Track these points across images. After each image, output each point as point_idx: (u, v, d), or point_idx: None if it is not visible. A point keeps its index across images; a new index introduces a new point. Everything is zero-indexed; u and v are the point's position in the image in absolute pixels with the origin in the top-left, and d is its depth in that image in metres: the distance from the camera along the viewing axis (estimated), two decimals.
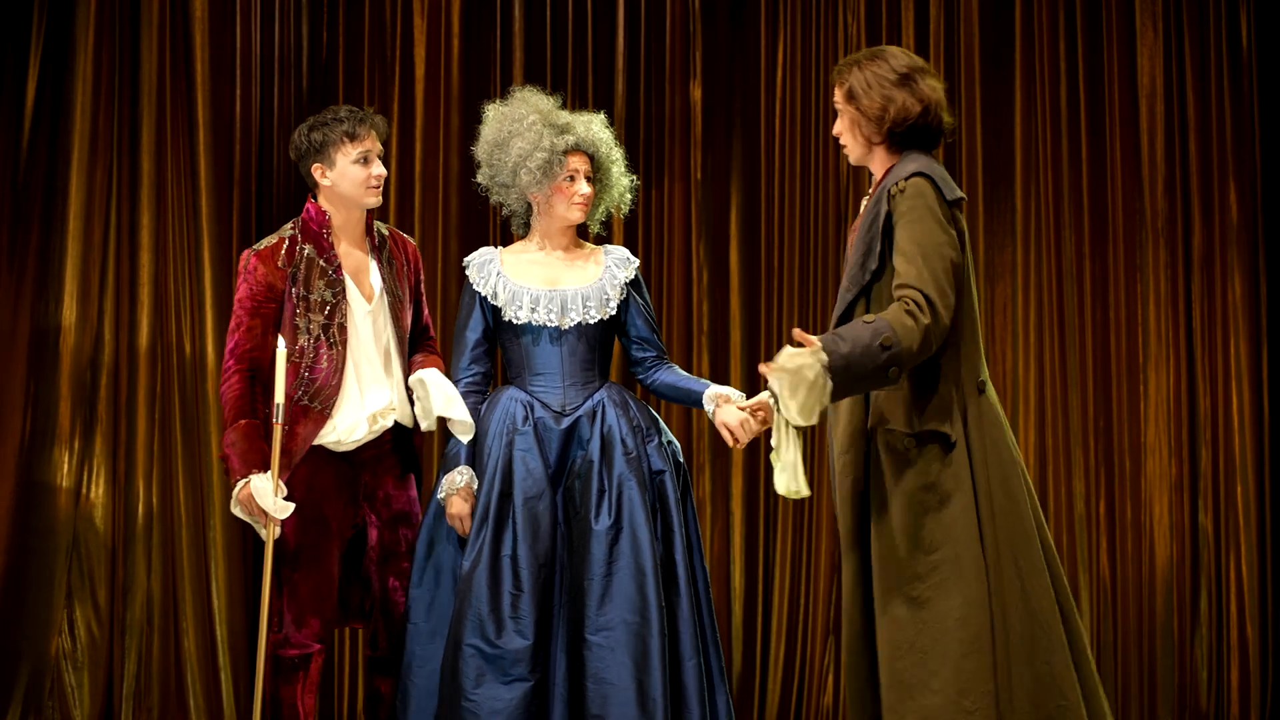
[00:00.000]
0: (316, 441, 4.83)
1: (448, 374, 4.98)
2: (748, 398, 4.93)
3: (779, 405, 4.02)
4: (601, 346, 5.02)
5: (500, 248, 5.13)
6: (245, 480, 4.72)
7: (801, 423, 4.00)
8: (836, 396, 4.01)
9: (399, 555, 4.96)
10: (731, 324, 6.85)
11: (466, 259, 5.09)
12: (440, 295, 6.69)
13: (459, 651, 4.74)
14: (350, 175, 4.90)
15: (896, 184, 4.12)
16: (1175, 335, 6.81)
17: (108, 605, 6.55)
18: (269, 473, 4.69)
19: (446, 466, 4.91)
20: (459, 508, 4.85)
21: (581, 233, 5.13)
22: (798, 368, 3.97)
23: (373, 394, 4.89)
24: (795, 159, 6.86)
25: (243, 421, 4.78)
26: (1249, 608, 6.69)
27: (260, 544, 4.95)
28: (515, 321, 4.98)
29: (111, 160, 6.64)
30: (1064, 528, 6.74)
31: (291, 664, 4.86)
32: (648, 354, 5.09)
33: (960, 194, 4.17)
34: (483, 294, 5.00)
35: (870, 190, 4.31)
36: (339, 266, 4.89)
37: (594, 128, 5.02)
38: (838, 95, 4.27)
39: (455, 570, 4.87)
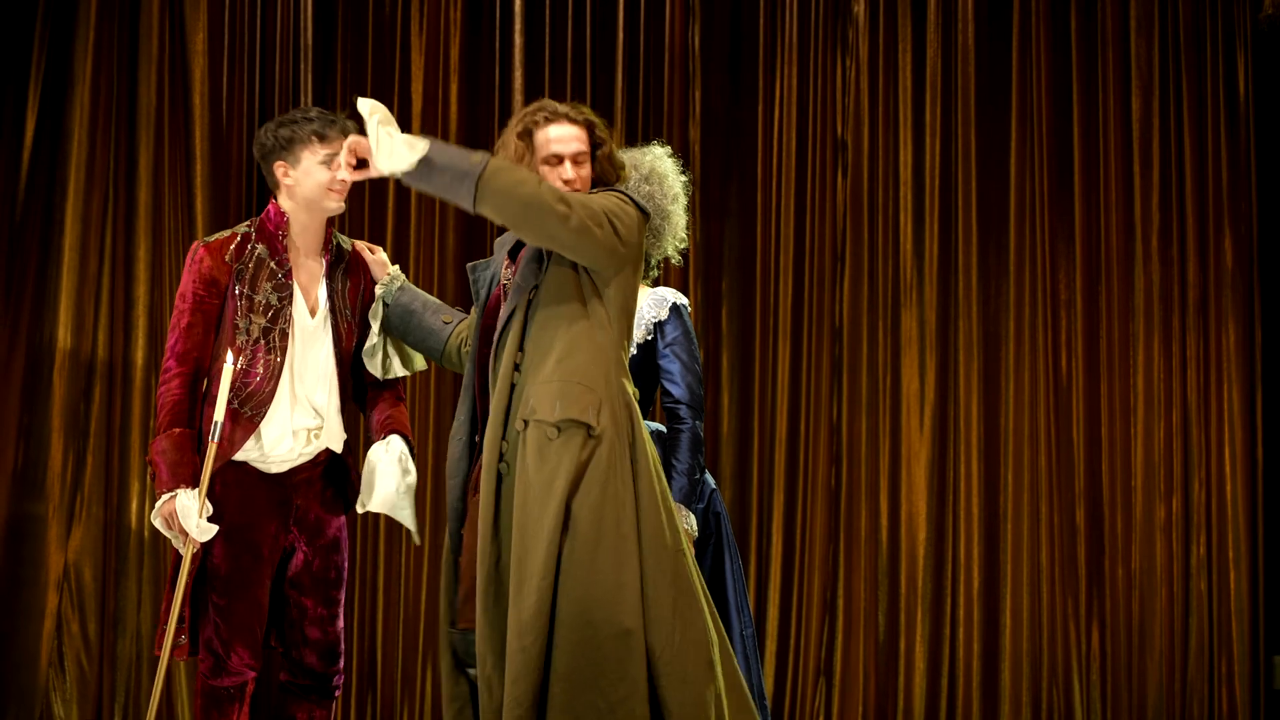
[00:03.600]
0: (244, 458, 4.61)
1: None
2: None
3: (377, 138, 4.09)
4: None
5: None
6: (171, 495, 4.51)
7: (384, 164, 4.08)
8: (418, 171, 4.04)
9: (329, 583, 4.76)
10: (724, 364, 6.85)
11: None
12: None
13: None
14: (314, 175, 4.66)
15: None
16: (1168, 379, 6.82)
17: (97, 638, 6.52)
18: (196, 490, 4.50)
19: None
20: None
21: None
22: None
23: (304, 411, 4.68)
24: (791, 200, 6.87)
25: (176, 430, 4.56)
26: (1238, 652, 6.69)
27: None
28: None
29: (108, 191, 6.64)
30: (1054, 564, 6.73)
31: (227, 694, 4.67)
32: (669, 406, 4.93)
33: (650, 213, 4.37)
34: None
35: None
36: (289, 271, 4.68)
37: None
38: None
39: None
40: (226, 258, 4.65)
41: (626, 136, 6.80)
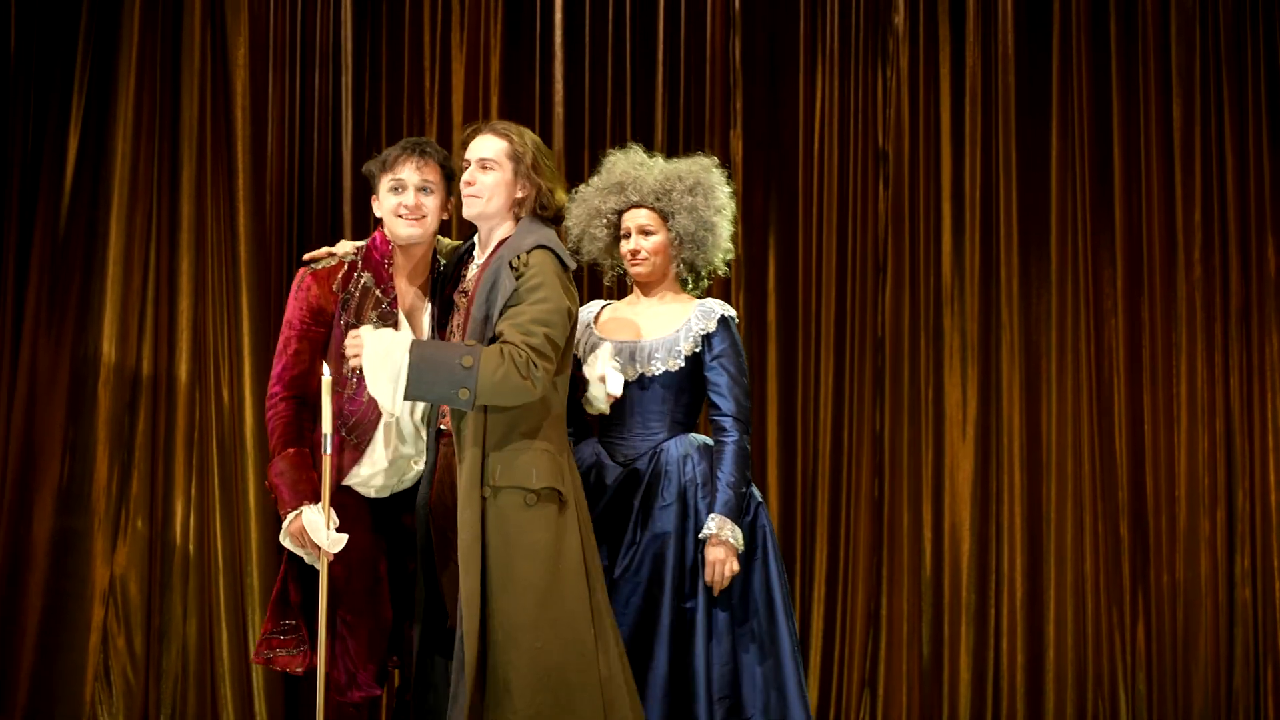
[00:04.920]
0: (350, 484, 4.71)
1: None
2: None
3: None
4: (676, 398, 4.96)
5: (610, 301, 5.20)
6: (296, 512, 4.59)
7: (383, 403, 4.43)
8: (410, 389, 4.40)
9: None
10: (768, 375, 6.84)
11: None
12: None
13: None
14: (384, 203, 4.76)
15: (518, 255, 4.55)
16: (1211, 388, 6.80)
17: (143, 652, 6.53)
18: (319, 504, 4.57)
19: None
20: None
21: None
22: (386, 343, 4.40)
23: (406, 439, 4.76)
24: (833, 210, 6.86)
25: (290, 450, 4.65)
26: None
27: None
28: (586, 375, 4.95)
29: (151, 205, 6.66)
30: (1098, 574, 6.71)
31: (355, 710, 4.76)
32: (715, 418, 4.98)
33: (574, 265, 4.65)
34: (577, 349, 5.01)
35: (488, 254, 4.68)
36: (395, 300, 4.74)
37: (648, 181, 5.04)
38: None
39: None
40: (334, 287, 4.72)
41: (667, 148, 6.80)
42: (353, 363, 4.51)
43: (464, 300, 4.70)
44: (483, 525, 4.48)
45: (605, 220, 5.07)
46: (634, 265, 5.05)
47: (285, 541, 4.64)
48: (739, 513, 4.88)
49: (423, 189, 4.75)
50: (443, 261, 4.90)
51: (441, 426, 4.69)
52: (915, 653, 6.74)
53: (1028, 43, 6.89)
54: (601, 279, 5.47)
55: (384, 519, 4.80)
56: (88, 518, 6.53)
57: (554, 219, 4.74)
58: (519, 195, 4.69)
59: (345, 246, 4.84)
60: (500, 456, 4.52)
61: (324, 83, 6.81)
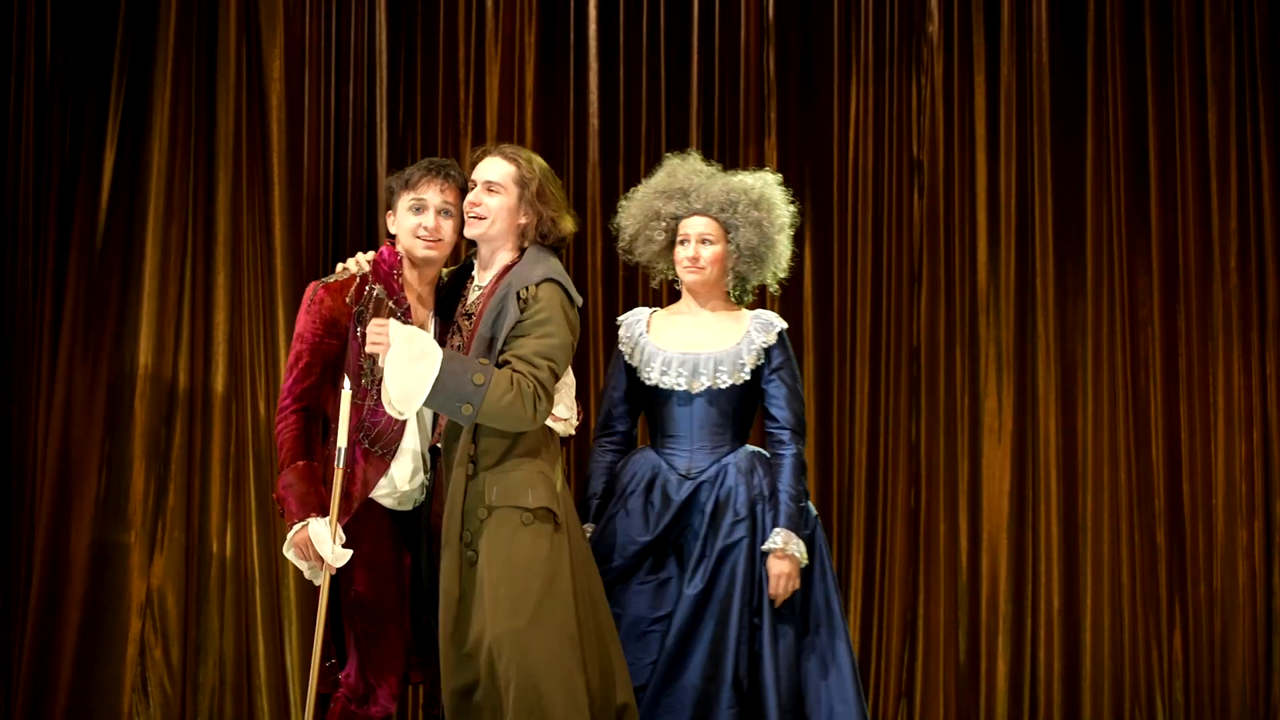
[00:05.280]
0: (376, 497, 4.69)
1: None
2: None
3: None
4: (737, 411, 4.98)
5: (655, 309, 5.18)
6: (303, 524, 4.60)
7: (395, 401, 4.44)
8: (432, 395, 4.44)
9: None
10: (804, 383, 6.83)
11: (620, 318, 5.15)
12: None
13: None
14: (402, 222, 4.75)
15: (526, 287, 4.58)
16: (1248, 397, 6.77)
17: (180, 663, 6.55)
18: (328, 518, 4.57)
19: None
20: None
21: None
22: (421, 346, 4.45)
23: (428, 450, 4.77)
24: (868, 218, 6.85)
25: (300, 463, 4.65)
26: None
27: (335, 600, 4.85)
28: (648, 383, 4.99)
29: (187, 218, 6.68)
30: (1135, 583, 6.69)
31: None
32: (773, 430, 5.00)
33: (580, 301, 4.69)
34: (625, 354, 5.04)
35: (491, 277, 4.72)
36: (407, 310, 4.73)
37: (712, 190, 5.03)
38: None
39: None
40: (347, 299, 4.71)
41: (702, 153, 6.77)
42: (370, 349, 4.51)
43: (467, 323, 4.72)
44: (479, 544, 4.53)
45: (664, 224, 5.06)
46: (690, 272, 5.04)
47: (288, 553, 4.65)
48: (801, 525, 4.90)
49: (443, 211, 4.75)
50: (442, 276, 4.91)
51: (437, 445, 4.72)
52: (952, 662, 6.73)
53: (1062, 50, 6.86)
54: (649, 281, 5.45)
55: (408, 532, 4.80)
56: (125, 530, 6.55)
57: (557, 246, 4.76)
58: (522, 220, 4.70)
59: (355, 261, 4.84)
60: (495, 476, 4.56)
61: (359, 95, 6.82)
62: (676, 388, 4.96)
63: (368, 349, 4.54)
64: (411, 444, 4.72)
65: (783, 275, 5.18)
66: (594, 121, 6.85)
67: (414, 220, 4.73)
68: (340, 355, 4.70)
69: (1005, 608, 6.73)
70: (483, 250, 4.77)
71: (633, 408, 5.09)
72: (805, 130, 6.90)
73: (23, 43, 6.69)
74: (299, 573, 6.41)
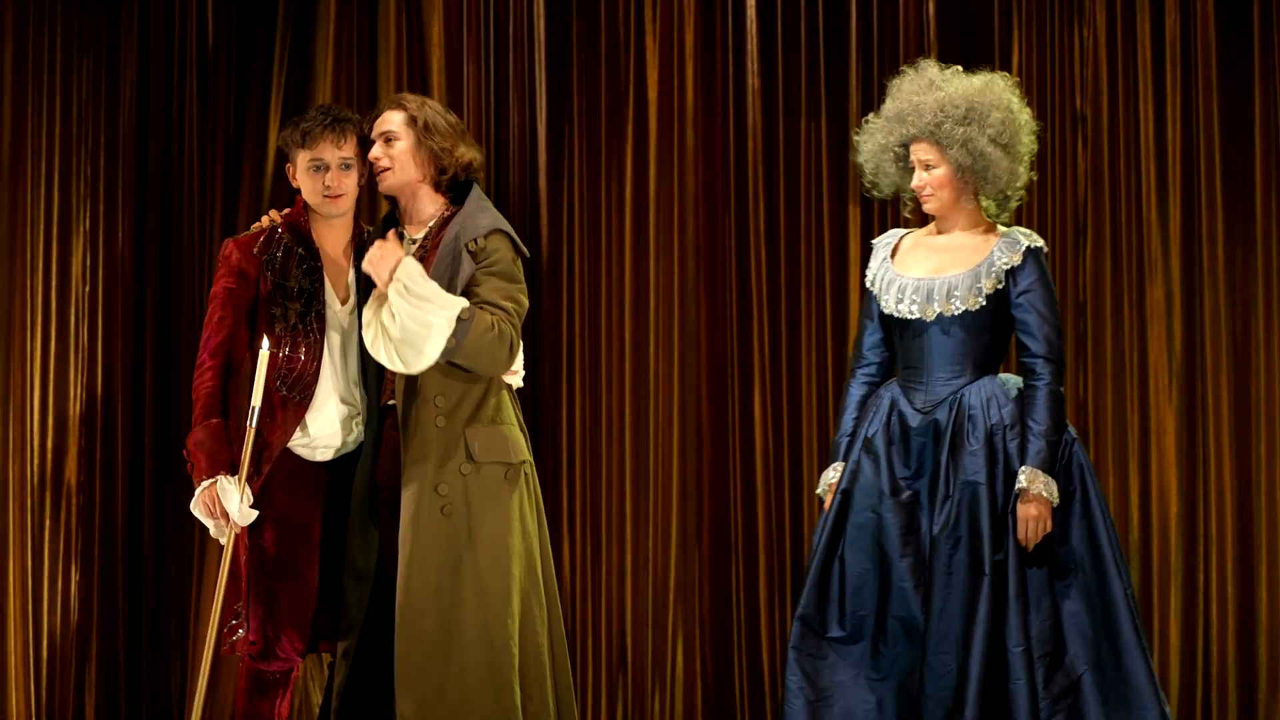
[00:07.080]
0: (290, 447, 4.68)
1: None
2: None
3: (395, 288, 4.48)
4: (977, 339, 4.72)
5: (909, 230, 5.01)
6: (212, 480, 4.60)
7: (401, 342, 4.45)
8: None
9: None
10: None
11: (873, 240, 5.02)
12: (677, 318, 6.71)
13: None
14: (305, 184, 4.80)
15: (475, 239, 4.60)
16: None
17: None
18: (236, 476, 4.58)
19: (830, 458, 4.85)
20: (828, 503, 4.80)
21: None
22: (445, 298, 4.50)
23: (347, 396, 4.75)
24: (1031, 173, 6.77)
25: (214, 420, 4.65)
26: None
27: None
28: (884, 311, 4.81)
29: None
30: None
31: (273, 679, 4.73)
32: (1024, 360, 4.72)
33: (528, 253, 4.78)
34: (868, 280, 4.88)
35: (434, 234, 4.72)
36: (317, 254, 4.77)
37: (925, 109, 4.81)
38: None
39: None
40: (255, 250, 4.75)
41: (862, 115, 6.75)
42: (366, 267, 4.54)
43: None
44: (465, 497, 4.57)
45: (894, 154, 4.90)
46: (925, 201, 4.86)
47: (195, 510, 4.63)
48: (1053, 463, 4.64)
49: (343, 165, 4.78)
50: (367, 229, 4.91)
51: (390, 403, 4.68)
52: None
53: None
54: (901, 211, 5.22)
55: (322, 486, 4.77)
56: None
57: (472, 179, 4.78)
58: (425, 158, 4.71)
59: (267, 217, 4.90)
60: (476, 431, 4.60)
61: (518, 61, 6.82)
62: (910, 316, 4.74)
63: (366, 266, 4.56)
64: (330, 388, 4.71)
65: (1020, 182, 4.92)
66: (753, 82, 6.81)
67: (315, 181, 4.77)
68: (254, 307, 4.72)
69: (1177, 562, 6.67)
70: (403, 203, 4.78)
71: (886, 336, 4.87)
72: None
73: (184, 15, 6.75)
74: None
